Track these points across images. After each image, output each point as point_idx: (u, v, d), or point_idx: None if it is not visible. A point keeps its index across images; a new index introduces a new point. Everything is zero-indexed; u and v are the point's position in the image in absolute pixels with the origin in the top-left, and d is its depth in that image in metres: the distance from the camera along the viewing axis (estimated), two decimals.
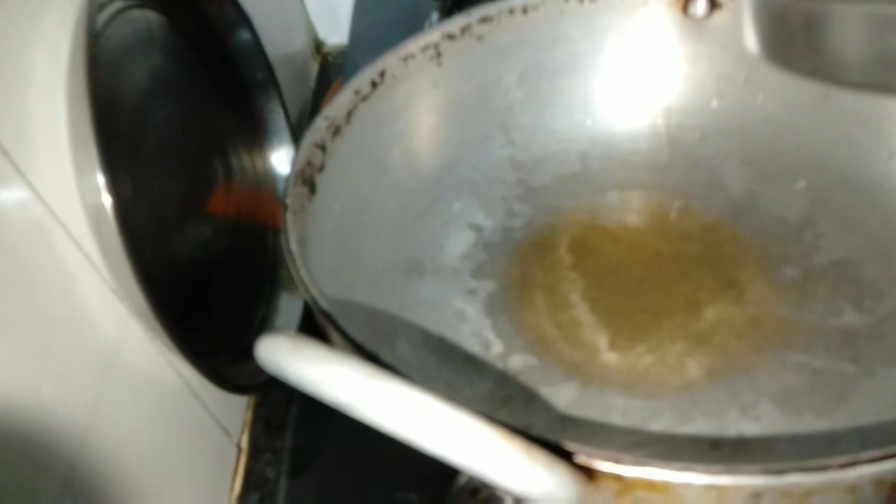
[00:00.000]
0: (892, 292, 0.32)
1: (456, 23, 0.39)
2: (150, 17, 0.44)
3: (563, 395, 0.32)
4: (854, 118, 0.37)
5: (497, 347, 0.34)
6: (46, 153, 0.31)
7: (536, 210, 0.41)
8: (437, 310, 0.36)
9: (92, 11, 0.32)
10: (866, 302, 0.32)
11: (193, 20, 0.48)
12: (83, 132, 0.31)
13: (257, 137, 0.55)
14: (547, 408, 0.31)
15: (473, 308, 0.36)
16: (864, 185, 0.36)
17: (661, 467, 0.17)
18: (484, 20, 0.40)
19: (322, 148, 0.34)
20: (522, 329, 0.35)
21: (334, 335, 0.24)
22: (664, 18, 0.40)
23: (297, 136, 0.54)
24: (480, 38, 0.40)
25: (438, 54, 0.40)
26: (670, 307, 0.35)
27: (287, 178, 0.30)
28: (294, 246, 0.27)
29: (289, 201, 0.29)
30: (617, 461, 0.18)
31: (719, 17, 0.40)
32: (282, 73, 0.79)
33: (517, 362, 0.33)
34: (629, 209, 0.41)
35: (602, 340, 0.34)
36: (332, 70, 0.89)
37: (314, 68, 0.93)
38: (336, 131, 0.35)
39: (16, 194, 0.28)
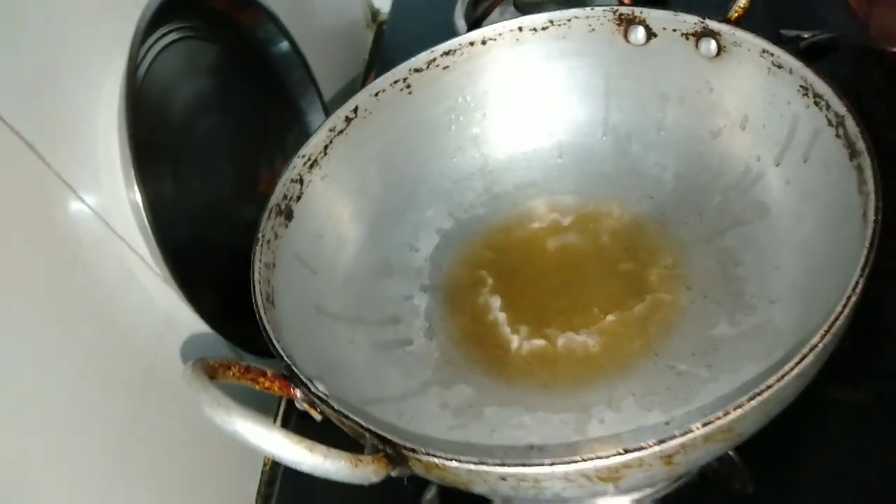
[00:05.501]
0: (762, 309, 0.37)
1: (421, 58, 0.46)
2: (196, 45, 0.53)
3: (477, 382, 0.40)
4: None
5: (437, 340, 0.42)
6: (106, 181, 0.40)
7: (496, 215, 0.48)
8: (396, 305, 0.44)
9: (134, 56, 0.41)
10: (737, 316, 0.37)
11: (236, 41, 0.56)
12: (126, 158, 0.40)
13: (297, 123, 0.64)
14: (461, 392, 0.39)
15: (425, 304, 0.44)
16: (762, 202, 0.40)
17: (431, 456, 0.26)
18: (447, 53, 0.46)
19: (299, 181, 0.42)
20: (459, 326, 0.43)
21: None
22: (609, 45, 0.45)
23: None
24: (446, 68, 0.47)
25: (408, 86, 0.46)
26: (582, 310, 0.41)
27: (261, 214, 0.39)
28: (258, 272, 0.36)
29: (260, 234, 0.38)
30: (414, 451, 0.26)
31: (656, 43, 0.43)
32: (335, 45, 0.87)
33: (449, 354, 0.42)
34: (572, 213, 0.47)
35: (516, 339, 0.41)
36: (386, 37, 0.94)
37: (369, 38, 0.98)
38: (313, 164, 0.43)
39: (76, 208, 0.37)
